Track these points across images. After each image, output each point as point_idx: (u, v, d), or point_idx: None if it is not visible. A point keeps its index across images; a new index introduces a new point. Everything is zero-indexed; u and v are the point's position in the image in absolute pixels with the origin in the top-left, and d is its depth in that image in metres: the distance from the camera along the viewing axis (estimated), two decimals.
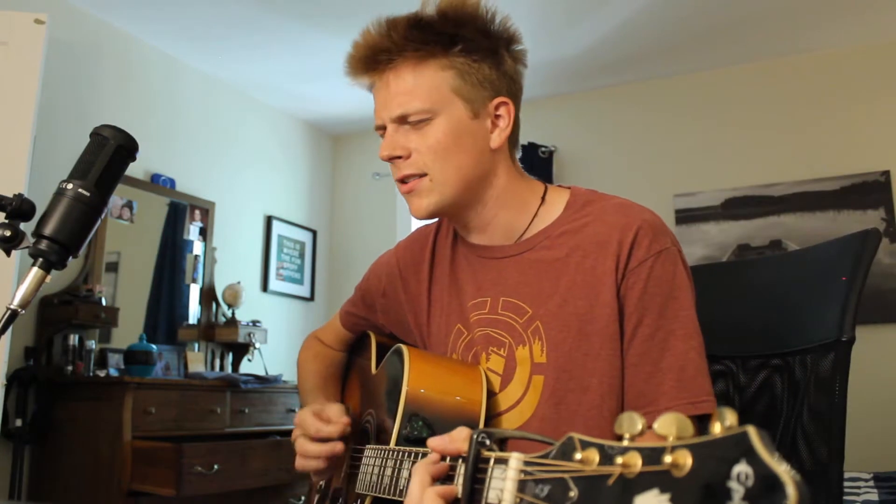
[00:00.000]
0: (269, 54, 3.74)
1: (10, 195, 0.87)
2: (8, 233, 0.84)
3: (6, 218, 0.86)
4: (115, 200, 3.31)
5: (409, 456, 0.84)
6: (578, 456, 0.51)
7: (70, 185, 0.86)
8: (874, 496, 2.47)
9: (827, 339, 1.01)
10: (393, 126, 0.99)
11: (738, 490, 0.40)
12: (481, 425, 0.94)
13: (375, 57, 0.99)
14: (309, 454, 1.06)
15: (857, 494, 2.49)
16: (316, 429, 1.05)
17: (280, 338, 4.15)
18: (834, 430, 0.97)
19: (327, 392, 1.26)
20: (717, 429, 0.43)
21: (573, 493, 0.51)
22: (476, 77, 0.99)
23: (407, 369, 0.96)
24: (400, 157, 0.99)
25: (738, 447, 0.41)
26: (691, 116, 4.00)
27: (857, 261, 1.02)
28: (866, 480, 2.64)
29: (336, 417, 1.07)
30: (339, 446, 1.05)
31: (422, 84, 0.97)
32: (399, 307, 1.17)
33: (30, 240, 0.85)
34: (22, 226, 0.86)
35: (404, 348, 1.00)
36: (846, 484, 2.46)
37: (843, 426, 0.97)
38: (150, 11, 3.31)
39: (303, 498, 3.16)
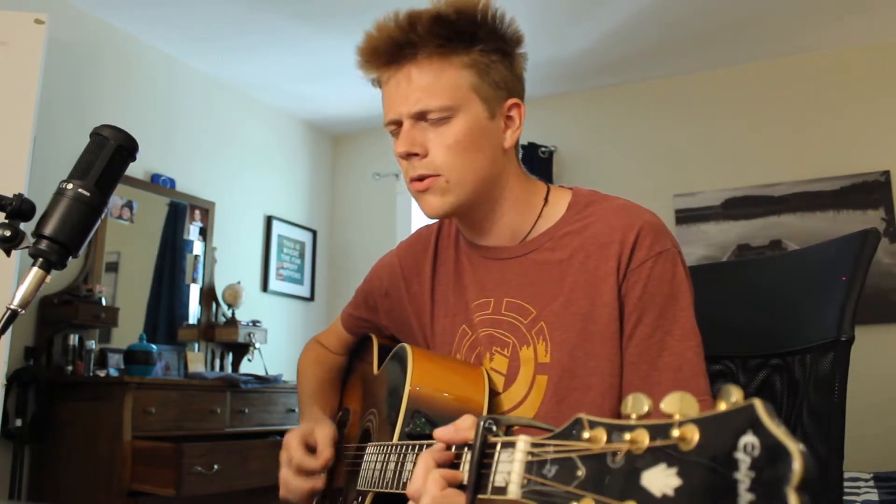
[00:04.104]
0: (269, 54, 3.74)
1: (10, 195, 0.87)
2: (8, 233, 0.84)
3: (6, 218, 0.86)
4: (115, 200, 3.31)
5: (413, 449, 0.83)
6: (586, 435, 0.51)
7: (70, 185, 0.86)
8: (874, 496, 2.47)
9: (826, 339, 1.01)
10: (410, 122, 0.97)
11: (744, 460, 0.40)
12: None
13: (400, 51, 0.97)
14: (291, 489, 1.10)
15: (857, 494, 2.49)
16: (298, 462, 1.09)
17: (280, 338, 4.15)
18: (833, 429, 0.97)
19: (324, 398, 1.26)
20: (723, 406, 0.43)
21: (581, 472, 0.51)
22: (494, 77, 0.99)
23: (410, 368, 0.96)
24: (417, 155, 0.98)
25: (744, 419, 0.41)
26: (691, 116, 4.00)
27: (856, 261, 1.02)
28: (866, 480, 2.64)
29: (322, 445, 1.10)
30: (319, 483, 1.10)
31: (444, 81, 0.96)
32: (402, 308, 1.17)
33: (30, 240, 0.85)
34: (22, 226, 0.86)
35: (408, 347, 1.01)
36: (846, 484, 2.46)
37: (843, 426, 0.97)
38: (150, 11, 3.31)
39: None
